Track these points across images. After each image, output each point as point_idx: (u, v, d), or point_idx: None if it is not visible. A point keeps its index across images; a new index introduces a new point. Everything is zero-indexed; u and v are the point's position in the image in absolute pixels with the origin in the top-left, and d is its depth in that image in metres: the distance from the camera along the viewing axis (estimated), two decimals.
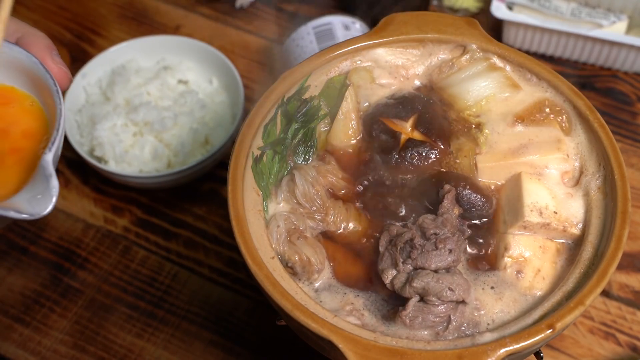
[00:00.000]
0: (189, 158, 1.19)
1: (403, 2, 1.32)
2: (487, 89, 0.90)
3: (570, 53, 1.34)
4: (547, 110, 0.88)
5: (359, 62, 0.93)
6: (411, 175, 0.84)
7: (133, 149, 1.19)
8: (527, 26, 1.30)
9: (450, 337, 0.74)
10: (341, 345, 0.69)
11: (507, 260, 0.79)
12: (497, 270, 0.79)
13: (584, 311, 0.72)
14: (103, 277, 1.15)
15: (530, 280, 0.78)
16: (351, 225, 0.83)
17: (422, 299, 0.74)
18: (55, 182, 0.65)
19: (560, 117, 0.88)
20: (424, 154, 0.85)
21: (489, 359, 0.68)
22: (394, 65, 0.93)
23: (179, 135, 1.20)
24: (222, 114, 1.25)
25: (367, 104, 0.90)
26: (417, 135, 0.86)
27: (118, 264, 1.17)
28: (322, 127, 0.89)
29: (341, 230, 0.83)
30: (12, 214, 0.63)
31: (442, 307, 0.74)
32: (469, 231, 0.81)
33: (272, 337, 1.09)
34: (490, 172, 0.85)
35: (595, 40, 1.29)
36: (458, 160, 0.85)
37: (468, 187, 0.82)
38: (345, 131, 0.88)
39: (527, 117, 0.88)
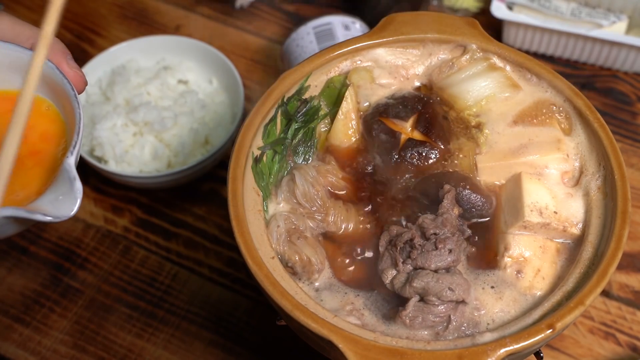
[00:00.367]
0: (189, 158, 1.19)
1: (403, 2, 1.32)
2: (487, 89, 0.90)
3: (570, 53, 1.34)
4: (547, 110, 0.88)
5: (359, 62, 0.93)
6: (411, 175, 0.84)
7: (133, 149, 1.19)
8: (527, 26, 1.30)
9: (450, 337, 0.74)
10: (341, 345, 0.69)
11: (507, 260, 0.79)
12: (497, 270, 0.79)
13: (584, 311, 0.72)
14: (103, 277, 1.15)
15: (530, 280, 0.78)
16: (351, 225, 0.83)
17: (422, 299, 0.75)
18: (79, 185, 0.66)
19: (560, 117, 0.88)
20: (424, 154, 0.85)
21: (489, 359, 0.68)
22: (394, 65, 0.93)
23: (179, 135, 1.20)
24: (222, 114, 1.25)
25: (367, 104, 0.90)
26: (417, 135, 0.86)
27: (118, 264, 1.17)
28: (322, 127, 0.89)
29: (341, 230, 0.83)
30: (39, 217, 0.64)
31: (442, 307, 0.74)
32: (469, 231, 0.81)
33: (272, 337, 1.09)
34: (490, 172, 0.85)
35: (595, 40, 1.29)
36: (458, 161, 0.85)
37: (468, 187, 0.82)
38: (345, 131, 0.88)
39: (527, 117, 0.88)
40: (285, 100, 0.88)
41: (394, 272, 0.77)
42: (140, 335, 1.10)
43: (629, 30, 1.29)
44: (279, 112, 0.87)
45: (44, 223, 0.66)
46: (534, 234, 0.81)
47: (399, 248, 0.77)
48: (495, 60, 0.92)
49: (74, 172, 0.67)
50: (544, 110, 0.88)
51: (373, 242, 0.81)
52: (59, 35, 0.79)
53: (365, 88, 0.91)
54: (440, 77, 0.92)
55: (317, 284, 0.79)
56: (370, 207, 0.84)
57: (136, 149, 1.19)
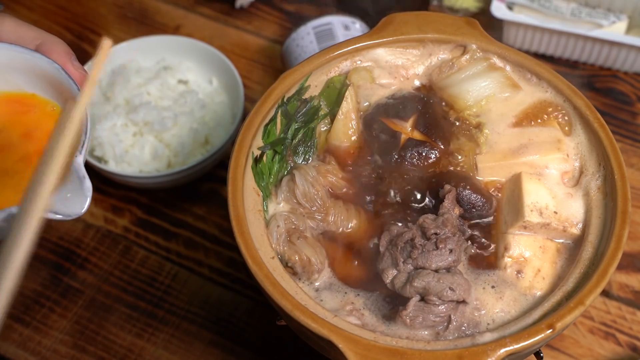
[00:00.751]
0: (189, 158, 1.19)
1: (403, 2, 1.32)
2: (487, 89, 0.90)
3: (570, 53, 1.34)
4: (547, 110, 0.88)
5: (359, 62, 0.93)
6: (411, 175, 0.84)
7: (133, 149, 1.19)
8: (527, 26, 1.30)
9: (451, 337, 0.74)
10: (341, 345, 0.69)
11: (507, 260, 0.79)
12: (498, 270, 0.79)
13: (584, 311, 0.72)
14: (103, 277, 1.15)
15: (530, 280, 0.78)
16: (351, 225, 0.83)
17: (423, 299, 0.75)
18: (89, 184, 0.67)
19: (560, 117, 0.88)
20: (424, 154, 0.85)
21: (489, 359, 0.68)
22: (394, 65, 0.93)
23: (179, 135, 1.20)
24: (222, 114, 1.25)
25: (367, 103, 0.90)
26: (417, 135, 0.86)
27: (118, 264, 1.17)
28: (322, 127, 0.89)
29: (341, 230, 0.83)
30: (49, 215, 0.65)
31: (443, 307, 0.74)
32: (469, 231, 0.81)
33: (272, 337, 1.09)
34: (490, 172, 0.85)
35: (595, 40, 1.29)
36: (458, 160, 0.85)
37: (468, 187, 0.82)
38: (346, 131, 0.88)
39: (527, 117, 0.88)
40: (285, 100, 0.88)
41: (395, 271, 0.77)
42: (140, 335, 1.10)
43: (629, 30, 1.29)
44: (279, 112, 0.87)
45: (55, 221, 0.67)
46: (534, 234, 0.81)
47: (399, 248, 0.77)
48: (495, 60, 0.92)
49: (83, 171, 0.67)
50: (544, 110, 0.88)
51: (373, 242, 0.81)
52: (58, 35, 0.79)
53: (365, 88, 0.91)
54: (440, 77, 0.92)
55: (317, 284, 0.79)
56: (370, 207, 0.84)
57: (136, 149, 1.19)
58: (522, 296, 0.78)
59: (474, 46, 0.92)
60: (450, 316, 0.74)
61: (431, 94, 0.91)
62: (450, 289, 0.73)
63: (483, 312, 0.76)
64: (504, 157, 0.85)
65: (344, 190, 0.85)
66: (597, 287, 0.73)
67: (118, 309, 1.12)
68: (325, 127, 0.89)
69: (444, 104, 0.90)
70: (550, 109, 0.88)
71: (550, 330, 0.70)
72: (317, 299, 0.77)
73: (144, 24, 1.46)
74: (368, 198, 0.84)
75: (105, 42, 0.58)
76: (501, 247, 0.80)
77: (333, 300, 0.78)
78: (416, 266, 0.76)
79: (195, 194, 1.24)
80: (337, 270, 0.80)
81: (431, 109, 0.88)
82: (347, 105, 0.88)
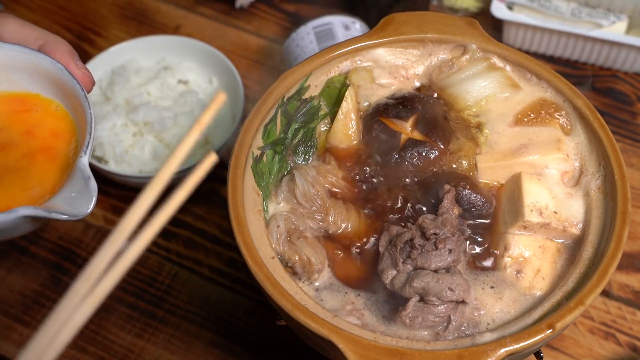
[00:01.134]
0: (188, 158, 1.19)
1: (403, 2, 1.32)
2: (487, 89, 0.90)
3: (570, 53, 1.34)
4: (547, 110, 0.88)
5: (359, 62, 0.93)
6: (411, 175, 0.84)
7: (133, 149, 1.19)
8: (527, 26, 1.30)
9: (450, 337, 0.74)
10: (341, 345, 0.69)
11: (507, 260, 0.79)
12: (497, 270, 0.79)
13: (584, 311, 0.72)
14: None
15: (530, 280, 0.78)
16: (351, 225, 0.83)
17: (422, 299, 0.74)
18: (94, 184, 0.67)
19: (560, 117, 0.88)
20: (424, 154, 0.85)
21: (489, 359, 0.68)
22: (394, 65, 0.93)
23: (179, 135, 1.20)
24: (222, 114, 1.25)
25: (367, 104, 0.90)
26: (417, 135, 0.86)
27: None
28: (322, 127, 0.89)
29: (341, 230, 0.83)
30: (56, 216, 0.65)
31: (442, 307, 0.74)
32: (468, 231, 0.81)
33: (272, 337, 1.09)
34: (490, 172, 0.85)
35: (595, 40, 1.29)
36: (458, 161, 0.85)
37: (468, 187, 0.82)
38: (345, 131, 0.88)
39: (527, 117, 0.88)
40: (285, 100, 0.88)
41: (394, 272, 0.77)
42: (140, 335, 1.10)
43: (629, 30, 1.29)
44: (279, 112, 0.87)
45: (60, 222, 0.67)
46: (534, 234, 0.81)
47: (399, 248, 0.77)
48: (495, 60, 0.92)
49: (88, 172, 0.68)
50: (544, 110, 0.88)
51: (373, 242, 0.81)
52: (58, 35, 0.79)
53: (365, 88, 0.91)
54: (440, 77, 0.92)
55: (317, 283, 0.79)
56: (370, 207, 0.84)
57: (136, 149, 1.19)
58: (521, 296, 0.78)
59: (474, 46, 0.92)
60: (449, 316, 0.74)
61: (431, 94, 0.91)
62: (450, 289, 0.73)
63: (483, 312, 0.76)
64: (504, 157, 0.85)
65: (344, 190, 0.85)
66: (597, 287, 0.73)
67: (118, 308, 1.12)
68: (325, 127, 0.89)
69: (444, 104, 0.90)
70: (551, 109, 0.88)
71: (550, 330, 0.70)
72: (317, 299, 0.77)
73: (144, 24, 1.46)
74: (368, 198, 0.84)
75: (220, 95, 0.59)
76: (501, 247, 0.80)
77: (333, 300, 0.78)
78: (415, 266, 0.76)
79: (195, 194, 1.23)
80: (337, 270, 0.80)
81: (431, 109, 0.88)
82: (347, 105, 0.88)
